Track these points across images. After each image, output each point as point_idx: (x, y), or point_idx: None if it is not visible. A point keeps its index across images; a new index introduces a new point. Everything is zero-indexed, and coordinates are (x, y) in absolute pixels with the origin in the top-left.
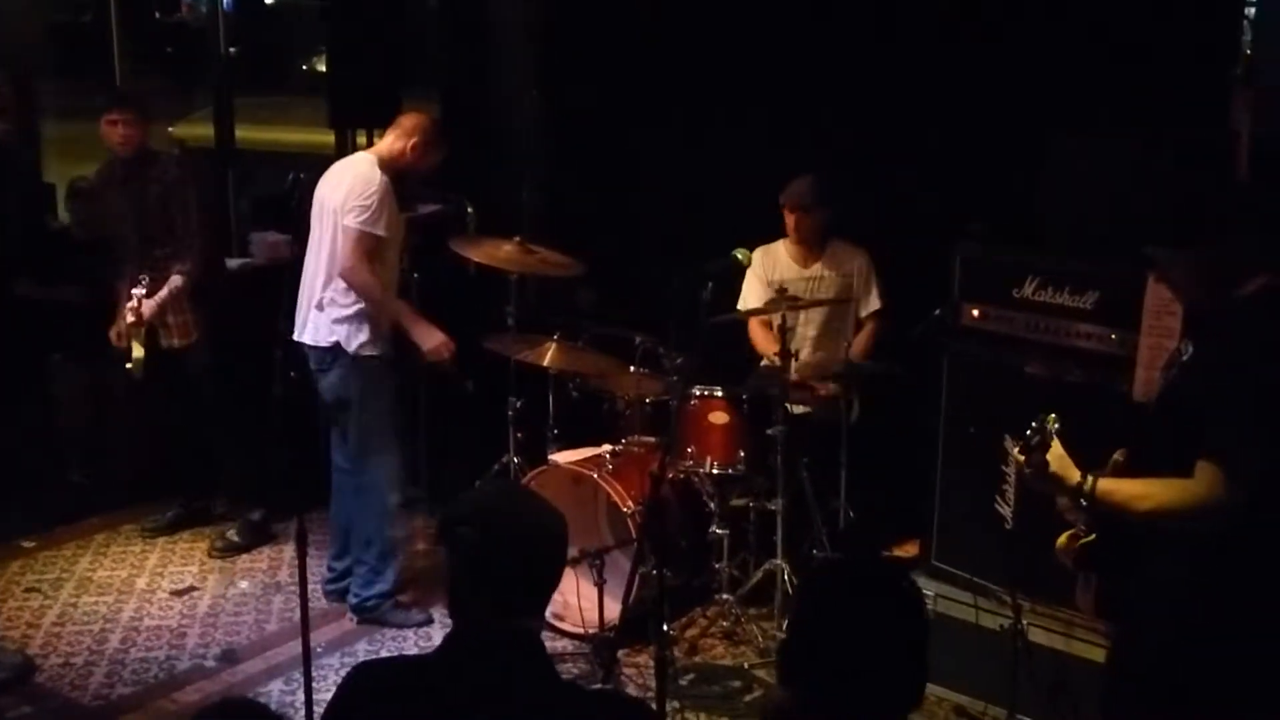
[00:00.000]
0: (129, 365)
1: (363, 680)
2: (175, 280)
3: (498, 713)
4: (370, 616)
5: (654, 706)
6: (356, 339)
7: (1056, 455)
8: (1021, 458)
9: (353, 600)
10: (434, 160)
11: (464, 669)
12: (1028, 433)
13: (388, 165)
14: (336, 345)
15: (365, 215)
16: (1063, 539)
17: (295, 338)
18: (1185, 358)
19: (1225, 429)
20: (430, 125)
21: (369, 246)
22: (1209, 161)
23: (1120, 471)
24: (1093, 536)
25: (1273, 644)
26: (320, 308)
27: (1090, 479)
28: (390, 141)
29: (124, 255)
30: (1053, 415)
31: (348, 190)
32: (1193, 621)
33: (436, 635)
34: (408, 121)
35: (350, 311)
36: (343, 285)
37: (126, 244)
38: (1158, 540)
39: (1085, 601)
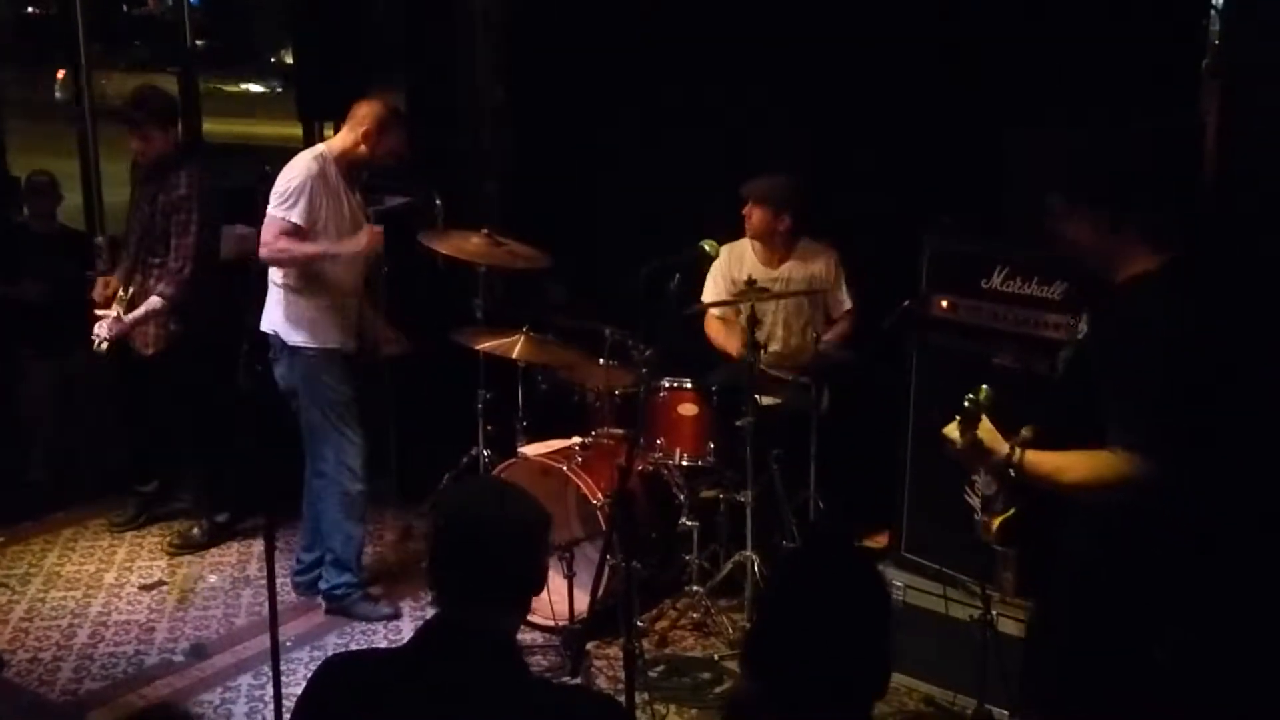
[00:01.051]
0: (94, 339)
1: (334, 673)
2: (154, 302)
3: (467, 708)
4: (338, 605)
5: (623, 699)
6: (292, 332)
7: (986, 429)
8: (956, 434)
9: (323, 586)
10: (390, 147)
11: (435, 664)
12: (965, 405)
13: (342, 158)
14: (277, 335)
15: (279, 201)
16: (984, 517)
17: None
18: (1080, 335)
19: (1127, 415)
20: (381, 111)
21: (283, 231)
22: (1173, 150)
23: (1033, 447)
24: (1012, 511)
25: (1181, 612)
26: (268, 303)
27: (1018, 451)
28: (344, 134)
29: (126, 247)
30: (984, 388)
31: (276, 180)
32: (1102, 590)
33: (406, 629)
34: (360, 110)
35: (284, 304)
36: (277, 278)
37: (129, 239)
38: (1070, 512)
39: (1006, 581)
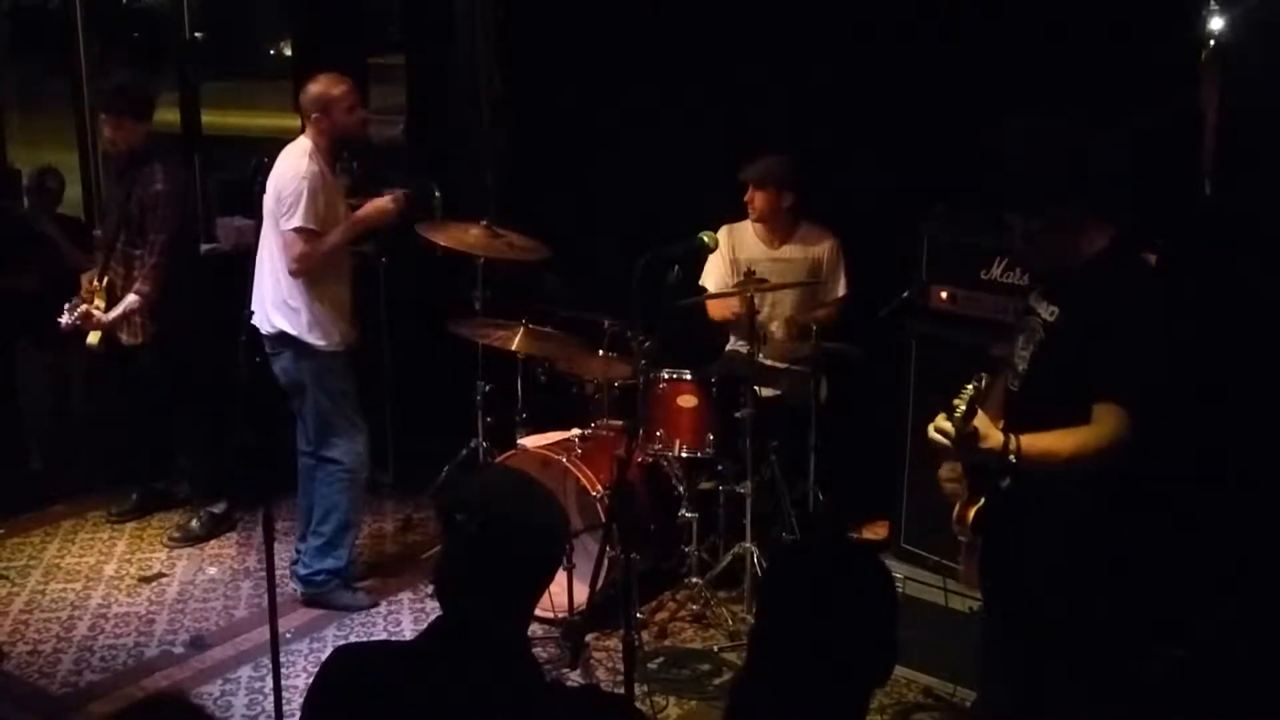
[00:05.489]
0: (88, 340)
1: (345, 665)
2: (130, 300)
3: (480, 708)
4: (316, 593)
5: (623, 691)
6: (304, 332)
7: (982, 422)
8: (949, 426)
9: (302, 571)
10: (346, 124)
11: (446, 662)
12: (957, 404)
13: (324, 143)
14: (284, 333)
15: (293, 215)
16: (957, 509)
17: (255, 323)
18: (1051, 319)
19: (1118, 371)
20: (323, 94)
21: (298, 240)
22: (1166, 143)
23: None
24: (981, 501)
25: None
26: (272, 301)
27: (1014, 439)
28: (308, 128)
29: (107, 239)
30: (971, 385)
31: (276, 191)
32: (1086, 560)
33: (406, 622)
34: (305, 102)
35: (301, 308)
36: (290, 283)
37: (109, 232)
38: (1050, 488)
39: (969, 570)
